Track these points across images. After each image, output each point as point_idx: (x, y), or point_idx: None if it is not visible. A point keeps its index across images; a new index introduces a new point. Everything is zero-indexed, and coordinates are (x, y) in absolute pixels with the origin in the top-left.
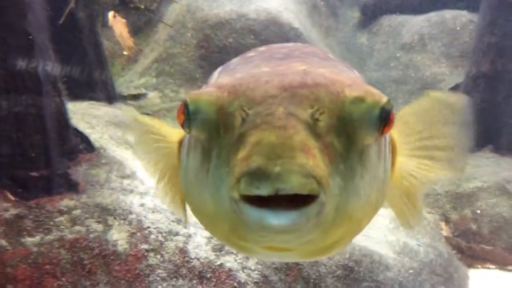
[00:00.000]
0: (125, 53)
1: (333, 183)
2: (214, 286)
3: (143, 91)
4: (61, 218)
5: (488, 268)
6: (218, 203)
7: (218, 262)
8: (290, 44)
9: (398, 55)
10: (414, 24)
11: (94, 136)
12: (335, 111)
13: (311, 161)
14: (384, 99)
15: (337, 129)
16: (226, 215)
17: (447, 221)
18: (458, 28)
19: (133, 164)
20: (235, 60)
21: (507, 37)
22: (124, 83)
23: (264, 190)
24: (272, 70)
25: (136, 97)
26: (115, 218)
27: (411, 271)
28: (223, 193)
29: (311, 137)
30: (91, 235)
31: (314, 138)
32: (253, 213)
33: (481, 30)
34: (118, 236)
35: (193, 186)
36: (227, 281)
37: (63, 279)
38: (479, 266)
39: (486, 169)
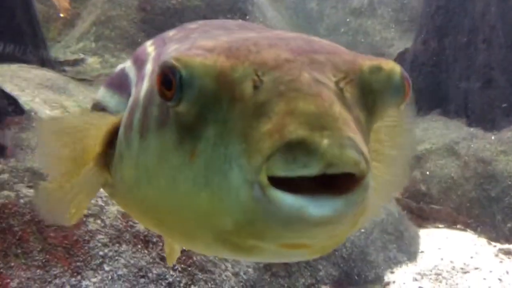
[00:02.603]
0: (61, 15)
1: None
2: (160, 250)
3: (81, 56)
4: None
5: (438, 227)
6: (219, 192)
7: None
8: (231, 20)
9: (348, 20)
10: None
11: (24, 98)
12: (356, 81)
13: (356, 135)
14: (398, 65)
15: (360, 101)
16: (235, 207)
17: None
18: None
19: None
20: (174, 32)
21: (454, 0)
22: (61, 48)
23: (314, 168)
24: (262, 35)
25: (73, 62)
26: None
27: (362, 230)
28: (232, 178)
29: (345, 108)
30: (21, 201)
31: (346, 110)
32: (290, 202)
33: None
34: None
35: (157, 176)
36: None
37: None
38: (429, 226)
39: (435, 132)
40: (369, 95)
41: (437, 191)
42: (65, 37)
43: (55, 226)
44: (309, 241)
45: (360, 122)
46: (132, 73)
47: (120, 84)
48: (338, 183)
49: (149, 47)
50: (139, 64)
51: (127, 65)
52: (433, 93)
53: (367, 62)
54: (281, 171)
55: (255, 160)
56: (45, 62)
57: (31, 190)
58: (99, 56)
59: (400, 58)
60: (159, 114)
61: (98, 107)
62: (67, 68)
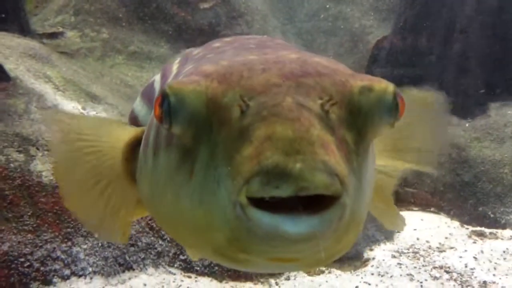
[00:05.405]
0: None
1: (350, 183)
2: (150, 220)
3: (60, 29)
4: None
5: (412, 210)
6: (211, 210)
7: None
8: (257, 36)
9: (327, 6)
10: None
11: (9, 66)
12: (344, 102)
13: (332, 158)
14: (391, 84)
15: (347, 122)
16: (224, 224)
17: None
18: None
19: (54, 98)
20: (198, 51)
21: None
22: (38, 21)
23: (285, 190)
24: (261, 58)
25: (52, 35)
26: (38, 149)
27: None
28: (220, 198)
29: (326, 131)
30: (12, 165)
31: (328, 132)
32: (267, 220)
33: None
34: (43, 167)
35: (165, 192)
36: None
37: None
38: (404, 209)
39: None
40: (359, 115)
41: (412, 175)
42: (42, 10)
43: (44, 192)
44: (295, 255)
45: (345, 143)
46: (157, 87)
47: (148, 97)
48: (320, 202)
49: (175, 64)
50: (164, 80)
51: (156, 78)
52: (410, 81)
53: (358, 82)
54: (257, 193)
55: (237, 182)
56: (25, 33)
57: (21, 155)
58: (79, 30)
59: (377, 46)
60: (166, 134)
61: (132, 114)
62: (45, 41)
